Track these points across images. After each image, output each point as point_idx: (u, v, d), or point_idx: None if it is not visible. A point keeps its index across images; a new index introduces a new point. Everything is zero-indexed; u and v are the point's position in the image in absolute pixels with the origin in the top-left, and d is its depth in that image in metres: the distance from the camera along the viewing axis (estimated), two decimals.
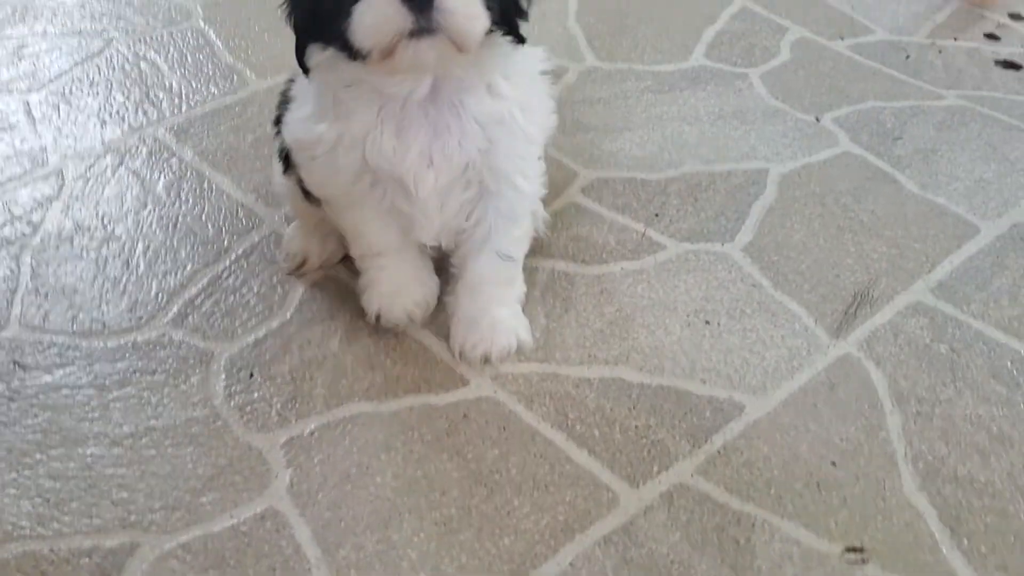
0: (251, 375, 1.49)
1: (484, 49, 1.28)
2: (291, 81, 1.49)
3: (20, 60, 2.10)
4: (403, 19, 1.18)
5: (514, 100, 1.37)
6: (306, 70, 1.34)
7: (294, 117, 1.42)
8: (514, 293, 1.57)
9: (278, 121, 1.51)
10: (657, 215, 1.76)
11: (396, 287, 1.54)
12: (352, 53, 1.23)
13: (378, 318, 1.54)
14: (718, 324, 1.55)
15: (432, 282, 1.58)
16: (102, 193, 1.79)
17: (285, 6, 1.33)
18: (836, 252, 1.68)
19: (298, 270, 1.65)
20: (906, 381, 1.47)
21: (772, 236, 1.71)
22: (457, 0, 1.19)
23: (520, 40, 1.32)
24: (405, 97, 1.32)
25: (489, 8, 1.23)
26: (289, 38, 1.31)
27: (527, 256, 1.65)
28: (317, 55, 1.31)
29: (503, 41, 1.31)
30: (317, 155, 1.40)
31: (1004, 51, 2.18)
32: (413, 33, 1.19)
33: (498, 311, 1.52)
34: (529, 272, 1.64)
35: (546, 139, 1.49)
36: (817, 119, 1.97)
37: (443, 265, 1.58)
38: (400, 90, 1.31)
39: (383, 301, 1.54)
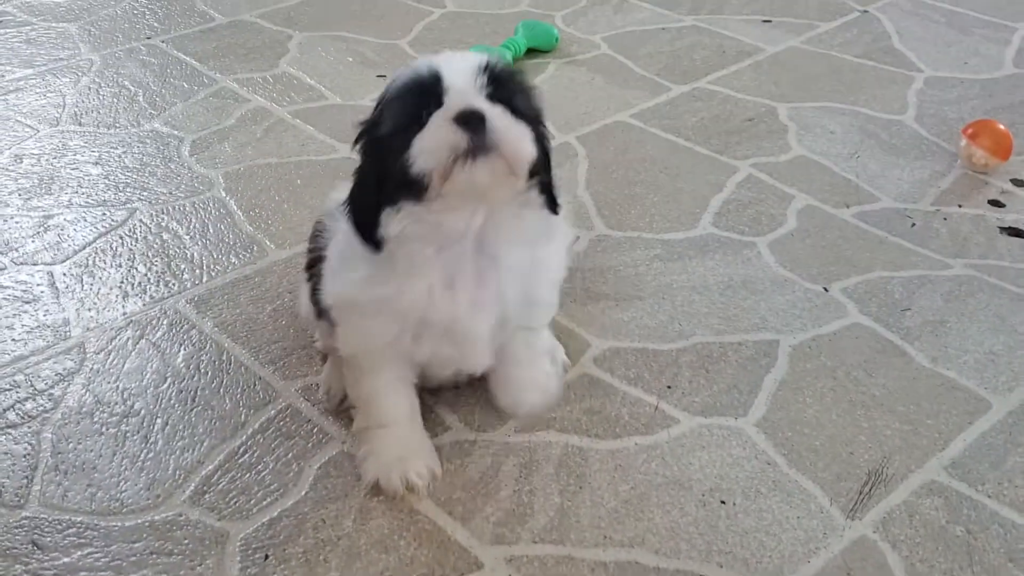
0: (266, 557, 1.48)
1: (522, 206, 1.41)
2: (318, 235, 1.60)
3: (46, 231, 2.16)
4: (459, 139, 1.29)
5: (544, 249, 1.49)
6: (378, 245, 1.41)
7: (348, 279, 1.49)
8: (544, 346, 1.66)
9: (310, 266, 1.62)
10: (670, 387, 1.78)
11: (397, 456, 1.59)
12: (415, 191, 1.34)
13: (376, 487, 1.58)
14: (734, 504, 1.55)
15: (432, 454, 1.63)
16: (123, 367, 1.81)
17: (354, 192, 1.43)
18: (849, 428, 1.68)
19: (340, 405, 1.72)
20: (923, 565, 1.46)
21: (785, 411, 1.72)
22: (506, 122, 1.31)
23: (554, 206, 1.45)
24: (456, 246, 1.42)
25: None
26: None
27: (540, 430, 1.67)
28: (393, 219, 1.39)
29: (539, 202, 1.43)
30: (370, 313, 1.47)
31: (1008, 218, 2.22)
32: (468, 153, 1.30)
33: (533, 368, 1.62)
34: (543, 447, 1.65)
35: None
36: (825, 289, 2.00)
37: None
38: (456, 226, 1.39)
39: (381, 469, 1.58)
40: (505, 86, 1.36)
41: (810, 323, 1.91)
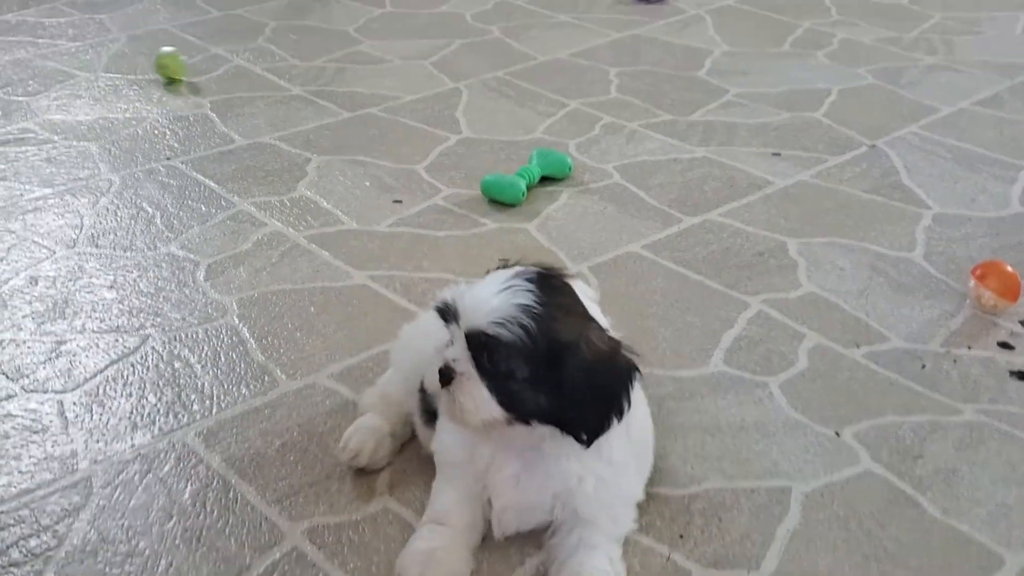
0: None
1: (532, 431, 1.55)
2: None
3: (58, 358, 2.17)
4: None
5: (600, 463, 1.60)
6: None
7: (447, 436, 1.70)
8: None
9: None
10: (682, 536, 1.76)
11: (428, 549, 1.63)
12: None
13: None
14: None
15: (464, 567, 1.66)
16: (128, 503, 1.80)
17: None
18: None
19: (350, 462, 1.86)
20: None
21: (798, 563, 1.70)
22: (460, 391, 1.52)
23: (580, 442, 1.54)
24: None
25: (506, 406, 1.52)
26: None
27: None
28: None
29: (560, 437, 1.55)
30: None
31: (1018, 361, 2.22)
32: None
33: None
34: None
35: (644, 484, 1.75)
36: (837, 434, 1.99)
37: None
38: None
39: (404, 557, 1.64)
40: (497, 346, 1.49)
41: (822, 470, 1.90)
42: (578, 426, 1.52)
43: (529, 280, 1.53)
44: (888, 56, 3.79)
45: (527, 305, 1.49)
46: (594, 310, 1.65)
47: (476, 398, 1.51)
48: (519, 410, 1.52)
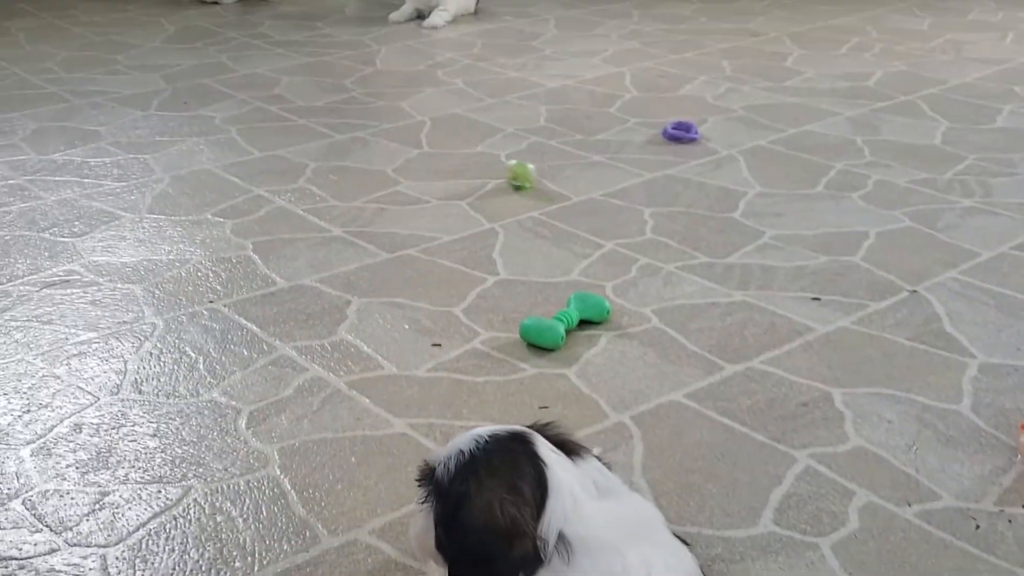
0: None
1: None
2: None
3: (101, 510, 2.16)
4: None
5: None
6: None
7: None
8: None
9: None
10: None
11: None
12: None
13: None
14: None
15: None
16: None
17: None
18: None
19: None
20: None
21: None
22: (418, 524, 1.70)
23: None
24: None
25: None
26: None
27: None
28: None
29: None
30: None
31: None
32: None
33: None
34: None
35: None
36: None
37: None
38: None
39: None
40: (429, 480, 1.67)
41: None
42: None
43: (493, 435, 1.64)
44: (924, 198, 3.81)
45: (463, 452, 1.61)
46: (605, 494, 1.68)
47: (418, 527, 1.70)
48: (437, 546, 1.62)
